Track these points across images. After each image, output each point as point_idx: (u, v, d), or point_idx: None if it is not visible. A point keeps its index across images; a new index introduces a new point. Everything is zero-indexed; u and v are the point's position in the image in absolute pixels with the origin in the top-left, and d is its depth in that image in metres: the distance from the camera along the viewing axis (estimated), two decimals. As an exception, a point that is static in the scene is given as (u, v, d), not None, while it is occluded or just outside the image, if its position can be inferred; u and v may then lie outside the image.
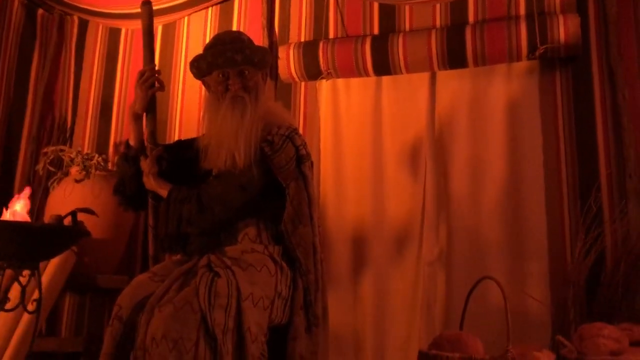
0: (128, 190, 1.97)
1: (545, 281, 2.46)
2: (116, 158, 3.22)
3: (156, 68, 1.96)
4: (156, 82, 1.95)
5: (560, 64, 2.63)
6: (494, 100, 2.70)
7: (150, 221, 2.00)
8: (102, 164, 2.93)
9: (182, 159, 1.97)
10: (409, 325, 2.63)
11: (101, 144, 3.29)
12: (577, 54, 2.57)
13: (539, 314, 2.42)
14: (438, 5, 2.84)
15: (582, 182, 2.51)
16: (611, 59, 2.53)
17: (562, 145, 2.57)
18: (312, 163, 1.94)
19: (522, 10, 2.70)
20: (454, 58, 2.67)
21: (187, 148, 1.98)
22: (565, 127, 2.59)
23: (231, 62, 1.85)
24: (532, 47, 2.55)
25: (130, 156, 1.95)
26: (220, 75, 1.88)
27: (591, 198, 2.40)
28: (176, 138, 3.11)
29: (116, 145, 3.28)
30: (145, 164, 1.92)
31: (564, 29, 2.51)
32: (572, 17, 2.54)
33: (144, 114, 1.96)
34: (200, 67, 1.91)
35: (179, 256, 1.94)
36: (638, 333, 1.84)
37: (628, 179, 2.41)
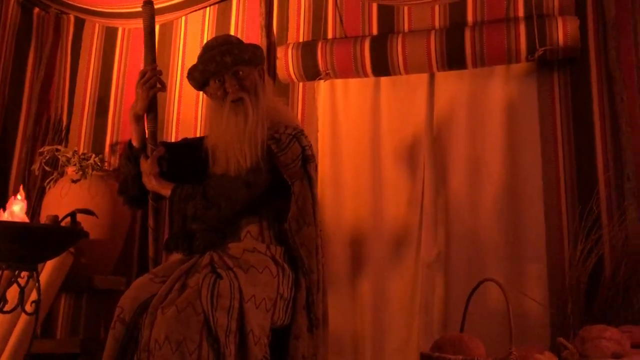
0: (132, 190, 1.96)
1: (544, 283, 2.47)
2: (113, 158, 3.21)
3: (158, 68, 1.95)
4: (158, 82, 1.94)
5: (558, 66, 2.64)
6: (492, 102, 2.71)
7: (151, 222, 1.98)
8: (98, 164, 2.91)
9: (191, 159, 1.96)
10: (408, 326, 2.64)
11: (97, 143, 3.27)
12: (576, 57, 2.59)
13: (537, 316, 2.43)
14: (437, 7, 2.84)
15: (580, 185, 2.52)
16: (609, 62, 2.54)
17: (560, 148, 2.58)
18: (316, 165, 1.95)
19: (521, 12, 2.70)
20: (453, 59, 2.67)
21: (197, 148, 1.97)
22: (564, 129, 2.60)
23: (223, 66, 1.86)
24: (531, 49, 2.56)
25: (134, 156, 1.94)
26: (217, 82, 1.89)
27: (592, 201, 2.42)
28: (174, 137, 3.10)
29: (112, 145, 3.26)
30: (145, 165, 1.91)
31: (562, 31, 2.52)
32: (570, 19, 2.55)
33: (145, 114, 1.95)
34: (196, 78, 1.92)
35: (179, 256, 1.93)
36: (639, 335, 1.84)
37: (626, 182, 2.42)
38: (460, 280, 2.58)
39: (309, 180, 1.88)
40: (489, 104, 2.71)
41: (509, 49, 2.59)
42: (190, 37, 3.23)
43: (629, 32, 2.56)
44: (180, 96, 3.19)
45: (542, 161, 2.58)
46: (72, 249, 2.63)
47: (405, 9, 2.89)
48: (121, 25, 3.35)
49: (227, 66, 1.86)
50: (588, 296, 2.29)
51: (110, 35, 3.39)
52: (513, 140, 2.64)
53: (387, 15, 2.92)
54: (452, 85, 2.78)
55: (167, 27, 3.28)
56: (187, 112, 3.15)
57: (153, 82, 1.92)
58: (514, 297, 2.38)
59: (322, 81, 2.92)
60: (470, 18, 2.79)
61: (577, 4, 2.65)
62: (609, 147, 2.51)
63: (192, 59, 1.98)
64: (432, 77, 2.81)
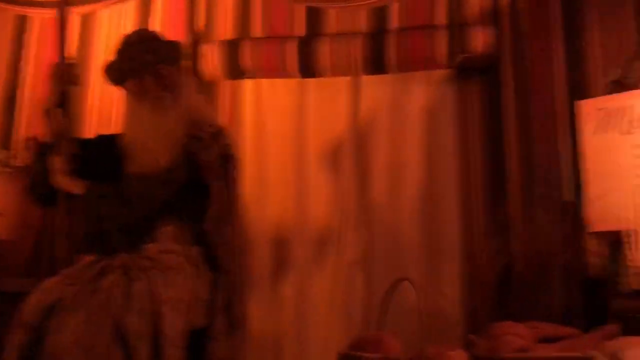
0: (41, 188, 1.87)
1: (459, 282, 2.56)
2: (23, 154, 3.04)
3: (72, 61, 1.87)
4: (71, 76, 1.86)
5: (476, 74, 2.73)
6: (413, 107, 2.79)
7: (62, 222, 1.90)
8: (6, 160, 2.76)
9: (106, 156, 1.89)
10: (329, 327, 2.66)
11: (6, 139, 3.08)
12: (492, 64, 2.69)
13: (453, 314, 2.52)
14: (362, 11, 2.88)
15: (493, 188, 2.62)
16: (523, 70, 2.66)
17: (475, 152, 2.68)
18: (238, 165, 1.92)
19: (442, 20, 2.77)
20: (376, 63, 2.72)
21: (112, 145, 1.90)
22: (479, 134, 2.70)
23: (142, 64, 1.82)
24: (450, 56, 2.64)
25: (44, 153, 1.85)
26: (136, 79, 1.83)
27: (503, 203, 2.53)
28: (92, 133, 2.97)
29: (22, 141, 3.09)
30: (56, 162, 1.83)
31: (481, 39, 2.63)
32: (488, 28, 2.66)
33: (58, 109, 1.86)
34: (113, 74, 1.86)
35: (92, 257, 1.85)
36: (544, 330, 1.95)
37: (535, 185, 2.55)
38: (380, 279, 2.62)
39: (229, 179, 1.85)
40: (410, 108, 2.79)
41: (430, 55, 2.66)
42: (112, 29, 3.11)
43: (541, 41, 2.68)
44: (101, 90, 3.06)
45: (458, 164, 2.68)
46: (-25, 250, 2.47)
47: (333, 11, 2.91)
48: (33, 14, 3.18)
49: (146, 64, 1.82)
50: (499, 295, 2.39)
51: (20, 24, 3.20)
52: (431, 144, 2.73)
53: (314, 17, 2.92)
54: (375, 89, 2.83)
55: (88, 19, 3.15)
56: (106, 107, 3.03)
57: (66, 75, 1.85)
58: (431, 296, 2.47)
59: (247, 80, 2.89)
60: (393, 24, 2.84)
61: (494, 13, 2.75)
62: (521, 153, 2.62)
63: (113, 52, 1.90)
64: (356, 80, 2.85)
